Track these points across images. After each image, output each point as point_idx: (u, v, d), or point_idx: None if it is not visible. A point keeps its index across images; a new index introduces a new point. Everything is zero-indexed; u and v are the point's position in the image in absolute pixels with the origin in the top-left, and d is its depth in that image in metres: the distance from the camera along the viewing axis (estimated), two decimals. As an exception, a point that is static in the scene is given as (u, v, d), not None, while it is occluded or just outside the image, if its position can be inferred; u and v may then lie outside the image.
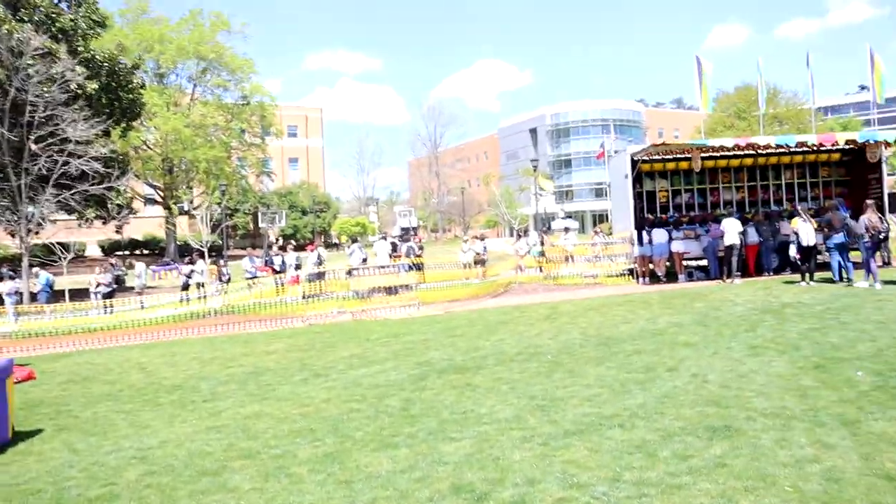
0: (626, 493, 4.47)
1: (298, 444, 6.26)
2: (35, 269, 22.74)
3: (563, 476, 4.88)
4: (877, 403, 5.95)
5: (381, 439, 6.22)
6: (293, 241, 61.76)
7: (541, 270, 22.65)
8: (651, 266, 19.04)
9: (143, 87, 34.91)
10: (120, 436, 7.12)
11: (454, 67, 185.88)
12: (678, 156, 19.95)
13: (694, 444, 5.33)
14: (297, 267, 21.91)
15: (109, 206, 29.58)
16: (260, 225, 56.08)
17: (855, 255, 15.83)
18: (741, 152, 19.56)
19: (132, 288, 26.06)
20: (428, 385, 8.40)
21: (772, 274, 18.02)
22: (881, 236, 14.80)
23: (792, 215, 17.41)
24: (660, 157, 20.13)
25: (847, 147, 19.75)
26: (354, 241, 25.10)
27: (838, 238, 14.74)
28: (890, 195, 20.75)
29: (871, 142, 18.72)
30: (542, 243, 25.93)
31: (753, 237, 18.11)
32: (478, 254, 24.22)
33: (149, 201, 57.36)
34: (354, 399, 7.95)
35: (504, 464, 5.26)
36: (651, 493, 4.44)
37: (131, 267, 28.79)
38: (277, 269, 22.17)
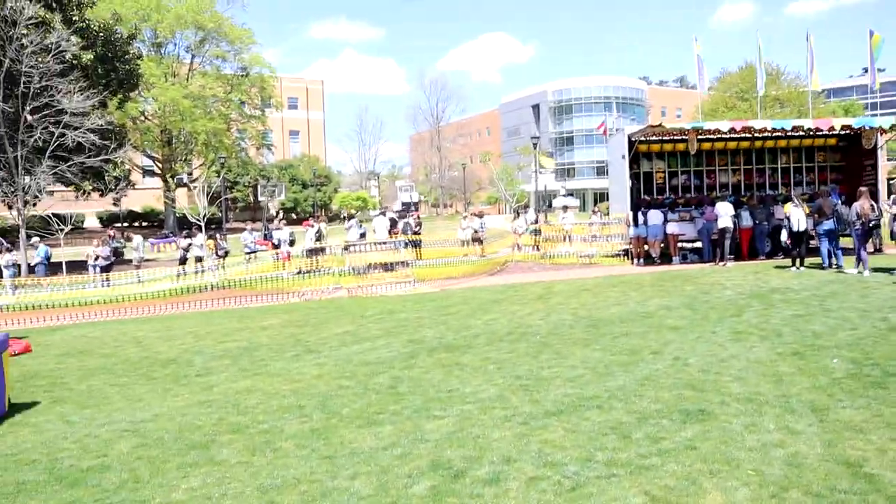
0: (597, 473, 4.68)
1: (286, 420, 6.46)
2: (34, 240, 22.89)
3: (538, 455, 5.08)
4: (848, 391, 6.15)
5: (366, 416, 6.42)
6: (292, 215, 61.96)
7: (538, 249, 22.84)
8: (646, 247, 19.21)
9: (139, 57, 34.88)
10: (113, 409, 7.33)
11: (457, 40, 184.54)
12: (675, 137, 20.03)
13: (667, 426, 5.54)
14: (291, 243, 22.06)
15: (106, 178, 29.67)
16: (259, 198, 56.12)
17: (848, 242, 16.01)
18: (737, 135, 19.65)
19: (130, 261, 26.23)
20: (417, 363, 8.60)
21: (765, 258, 18.21)
22: (871, 224, 14.96)
23: (786, 200, 17.56)
24: (657, 139, 20.22)
25: (843, 132, 19.86)
26: (351, 216, 25.19)
27: (828, 224, 14.91)
28: (888, 182, 20.88)
29: (868, 128, 18.82)
30: (537, 221, 26.04)
31: (747, 221, 18.26)
32: (475, 231, 24.35)
33: (147, 173, 57.36)
34: (344, 376, 8.15)
35: (483, 442, 5.47)
36: (620, 474, 4.64)
37: (129, 239, 28.91)
38: (276, 243, 22.35)
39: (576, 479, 4.62)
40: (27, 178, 22.47)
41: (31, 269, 21.80)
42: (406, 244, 20.93)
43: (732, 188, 20.71)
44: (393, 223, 24.71)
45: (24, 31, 22.09)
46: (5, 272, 20.41)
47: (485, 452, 5.23)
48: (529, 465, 4.93)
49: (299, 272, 19.16)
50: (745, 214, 18.20)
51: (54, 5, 25.65)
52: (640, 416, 5.83)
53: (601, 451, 5.09)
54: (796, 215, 15.55)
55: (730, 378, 6.86)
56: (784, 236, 16.00)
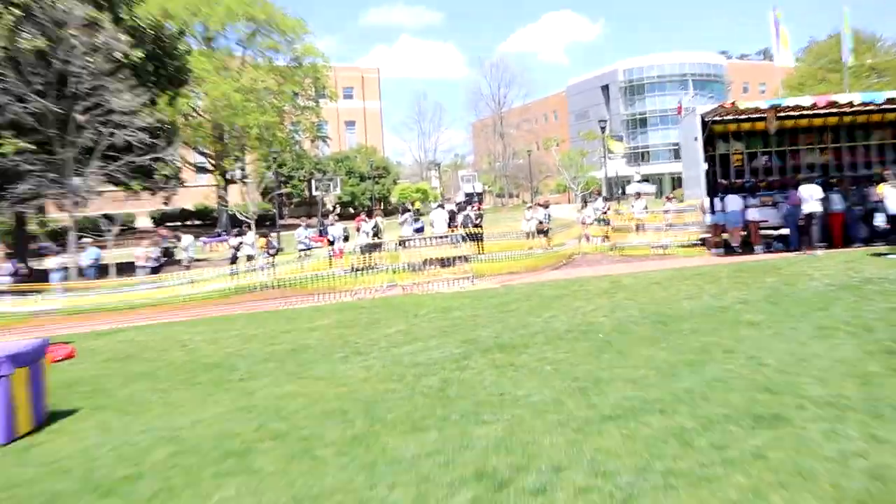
0: (652, 484, 4.53)
1: (328, 426, 6.49)
2: (84, 241, 23.70)
3: (590, 463, 4.96)
4: (946, 393, 5.82)
5: (412, 422, 6.40)
6: (350, 209, 62.58)
7: (606, 240, 22.52)
8: (724, 236, 18.69)
9: (189, 52, 35.77)
10: (153, 416, 7.51)
11: (521, 21, 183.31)
12: (753, 116, 19.40)
13: (735, 433, 5.33)
14: (345, 239, 22.29)
15: (156, 176, 30.48)
16: (314, 192, 56.89)
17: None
18: (822, 111, 18.88)
19: (180, 261, 26.93)
20: (469, 364, 8.54)
21: (861, 245, 17.45)
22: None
23: (881, 180, 16.82)
24: (733, 118, 19.62)
25: (946, 103, 18.89)
26: (405, 210, 25.27)
27: (929, 206, 14.22)
28: None
29: (974, 97, 17.85)
30: (606, 210, 25.65)
31: (839, 205, 17.53)
32: (540, 222, 24.14)
33: (200, 170, 58.80)
34: (392, 379, 8.15)
35: (533, 450, 5.37)
36: (678, 485, 4.49)
37: (179, 239, 29.71)
38: (332, 239, 22.62)
39: (629, 489, 4.48)
40: (77, 179, 23.25)
41: (81, 272, 22.57)
42: (465, 238, 20.90)
43: (821, 169, 19.94)
44: (452, 216, 24.67)
45: (74, 32, 22.82)
46: (55, 276, 21.21)
47: (533, 460, 5.14)
48: (580, 474, 4.81)
49: (352, 269, 19.34)
50: (836, 197, 17.48)
51: (103, 4, 26.43)
52: (706, 422, 5.63)
53: (659, 459, 4.94)
54: (893, 197, 14.88)
55: (810, 379, 6.57)
56: (879, 220, 15.34)
